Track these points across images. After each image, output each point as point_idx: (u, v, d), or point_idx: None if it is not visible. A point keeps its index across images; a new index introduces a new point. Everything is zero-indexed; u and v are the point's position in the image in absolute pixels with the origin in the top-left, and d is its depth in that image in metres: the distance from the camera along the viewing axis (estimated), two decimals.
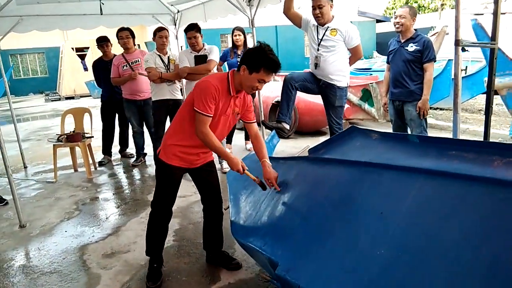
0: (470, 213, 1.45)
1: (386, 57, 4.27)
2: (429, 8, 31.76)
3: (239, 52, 5.44)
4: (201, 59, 4.52)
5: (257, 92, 5.27)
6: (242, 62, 2.33)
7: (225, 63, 5.59)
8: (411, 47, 3.79)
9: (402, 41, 3.87)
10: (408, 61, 3.81)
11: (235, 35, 5.43)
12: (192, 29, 4.43)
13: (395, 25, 3.87)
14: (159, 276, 2.62)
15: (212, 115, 2.33)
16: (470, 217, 1.44)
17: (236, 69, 2.41)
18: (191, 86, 4.64)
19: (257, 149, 2.55)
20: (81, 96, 18.08)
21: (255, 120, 2.63)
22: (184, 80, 4.93)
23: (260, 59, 2.24)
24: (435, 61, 3.81)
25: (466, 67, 7.55)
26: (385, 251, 1.54)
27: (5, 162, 3.55)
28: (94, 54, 15.67)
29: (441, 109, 8.10)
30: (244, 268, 2.70)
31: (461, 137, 3.16)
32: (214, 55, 4.53)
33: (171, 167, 2.48)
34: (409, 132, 3.99)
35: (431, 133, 4.89)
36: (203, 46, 4.57)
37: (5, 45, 5.72)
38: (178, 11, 6.70)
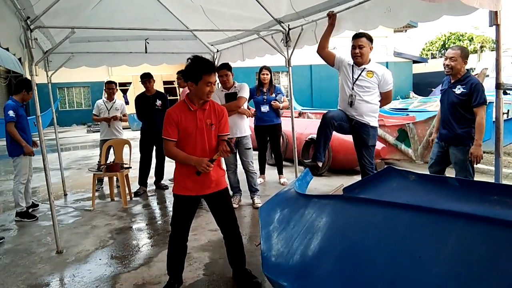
0: None
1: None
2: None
3: (264, 90, 5.67)
4: (231, 97, 4.73)
5: (291, 129, 5.34)
6: (186, 79, 2.68)
7: (252, 100, 5.74)
8: (458, 89, 3.64)
9: (452, 81, 3.74)
10: (454, 103, 3.68)
11: (263, 74, 5.73)
12: (224, 68, 4.72)
13: (445, 68, 3.71)
14: None
15: (173, 139, 2.70)
16: None
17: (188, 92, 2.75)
18: None
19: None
20: None
21: (227, 133, 2.87)
22: None
23: (196, 70, 2.60)
24: (486, 104, 3.60)
25: (508, 110, 7.31)
26: None
27: (48, 189, 3.71)
28: (135, 89, 16.40)
29: None
30: None
31: (503, 182, 3.04)
32: (244, 92, 4.73)
33: (176, 196, 2.84)
34: (454, 176, 3.83)
35: None
36: (234, 84, 4.78)
37: (54, 79, 6.14)
38: (217, 51, 6.98)
